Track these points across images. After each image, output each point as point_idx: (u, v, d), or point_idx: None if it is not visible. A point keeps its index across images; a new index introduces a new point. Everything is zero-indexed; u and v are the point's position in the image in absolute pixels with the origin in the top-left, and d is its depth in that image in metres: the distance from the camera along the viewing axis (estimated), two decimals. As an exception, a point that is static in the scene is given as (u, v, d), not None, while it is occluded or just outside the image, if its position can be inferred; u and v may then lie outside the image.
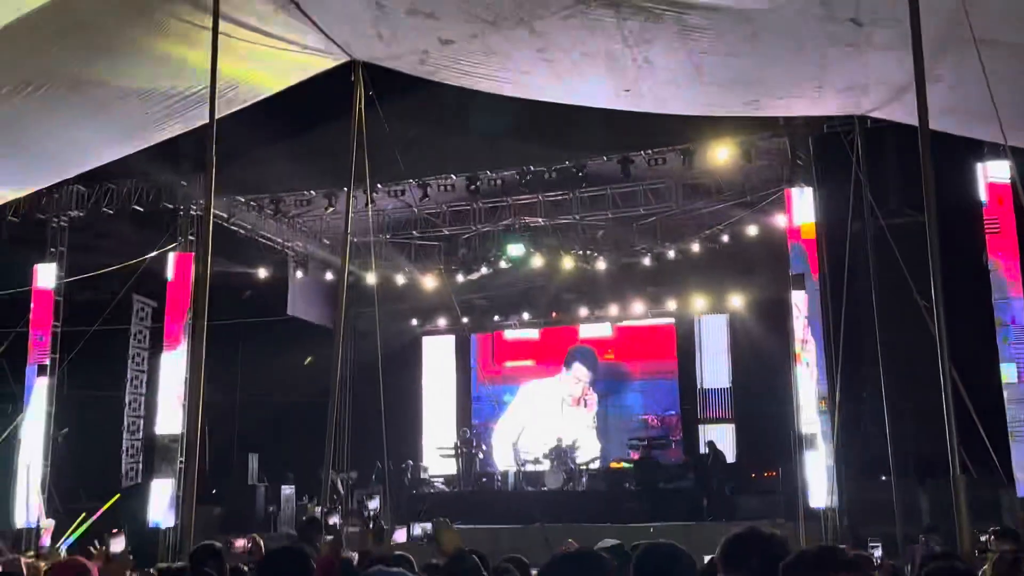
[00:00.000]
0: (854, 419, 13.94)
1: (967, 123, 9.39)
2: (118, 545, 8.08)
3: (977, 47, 6.36)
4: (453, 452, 19.78)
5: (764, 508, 15.33)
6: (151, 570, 6.42)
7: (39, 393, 16.50)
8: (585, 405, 21.56)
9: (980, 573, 4.69)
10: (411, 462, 19.88)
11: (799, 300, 13.66)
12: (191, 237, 16.93)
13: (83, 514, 13.85)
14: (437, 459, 20.46)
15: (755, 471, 17.55)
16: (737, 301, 19.57)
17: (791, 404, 13.71)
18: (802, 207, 14.03)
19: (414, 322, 22.15)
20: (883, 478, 13.78)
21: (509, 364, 22.50)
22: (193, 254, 16.60)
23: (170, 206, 17.04)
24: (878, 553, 10.92)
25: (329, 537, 5.27)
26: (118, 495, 13.94)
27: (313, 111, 14.52)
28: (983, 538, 5.96)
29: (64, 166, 11.45)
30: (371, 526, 5.34)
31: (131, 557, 5.12)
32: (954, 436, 4.81)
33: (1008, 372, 12.25)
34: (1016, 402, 12.13)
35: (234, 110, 10.49)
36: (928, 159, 5.10)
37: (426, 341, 22.93)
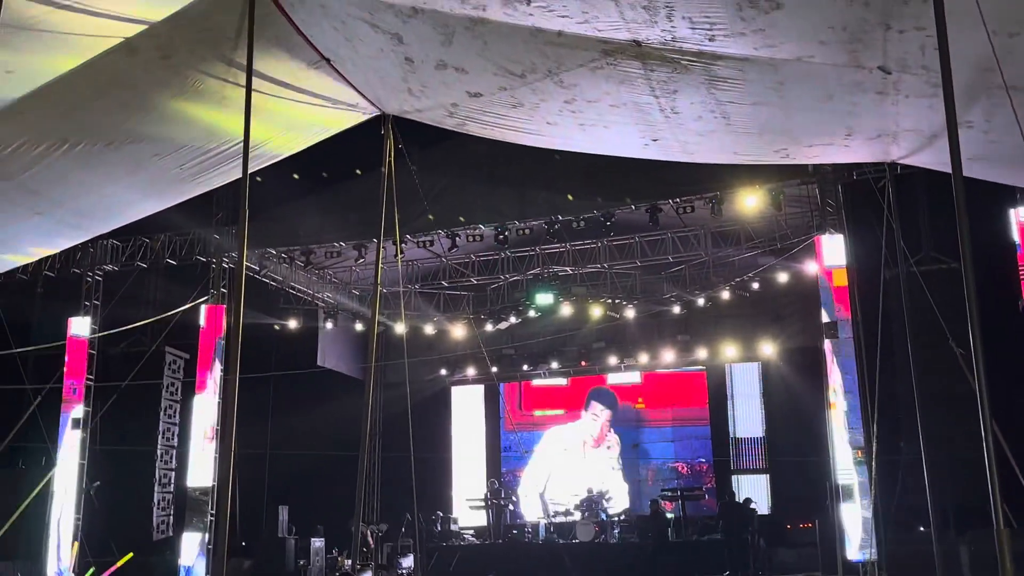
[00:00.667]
0: (891, 469, 13.69)
1: (999, 169, 9.32)
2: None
3: (1009, 94, 6.34)
4: (483, 504, 19.61)
5: (800, 561, 15.05)
6: None
7: (72, 445, 16.60)
8: (608, 447, 21.37)
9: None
10: (440, 514, 19.74)
11: (832, 348, 13.51)
12: (223, 289, 17.10)
13: (92, 568, 13.85)
14: (467, 510, 20.29)
15: (790, 523, 17.23)
16: (769, 349, 19.40)
17: (827, 454, 13.51)
18: (833, 254, 13.94)
19: (443, 372, 22.13)
20: (922, 529, 13.49)
21: (538, 413, 22.38)
22: (224, 306, 16.76)
23: (202, 259, 17.26)
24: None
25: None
26: (130, 554, 13.91)
27: (343, 164, 14.73)
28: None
29: (99, 222, 11.62)
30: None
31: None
32: (996, 488, 4.70)
33: (1049, 420, 12.00)
34: (1058, 451, 11.88)
35: (266, 165, 10.65)
36: (963, 207, 5.05)
37: (455, 391, 22.88)
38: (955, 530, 13.90)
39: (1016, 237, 12.62)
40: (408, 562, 17.00)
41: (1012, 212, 12.64)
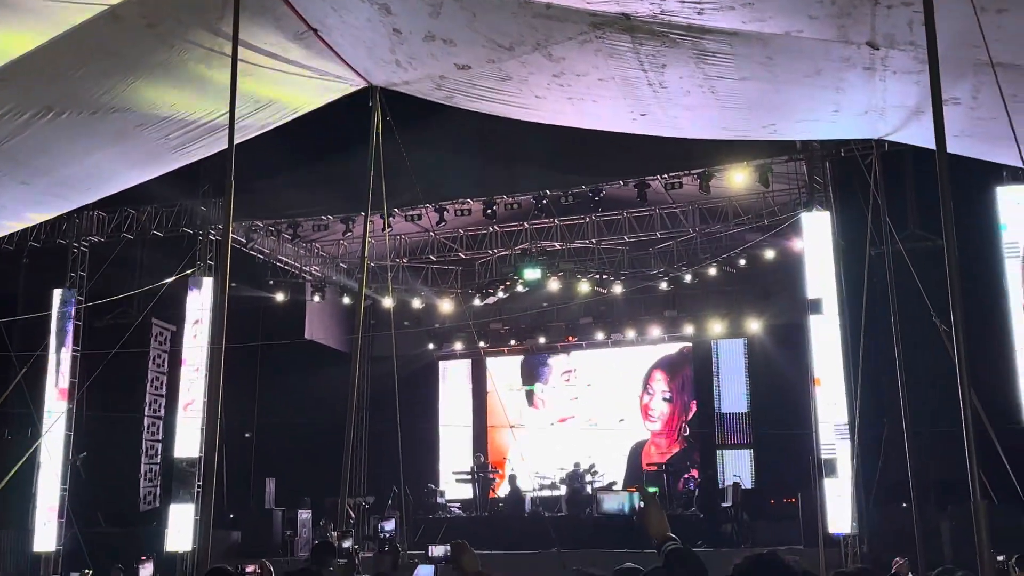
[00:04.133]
0: (874, 444, 13.80)
1: (985, 146, 9.33)
2: (147, 572, 8.11)
3: (995, 70, 6.34)
4: (469, 477, 19.71)
5: (783, 534, 15.18)
6: None
7: (58, 417, 16.57)
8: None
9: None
10: (432, 486, 19.84)
11: (817, 324, 13.58)
12: (210, 262, 17.04)
13: None
14: (454, 484, 20.38)
15: (774, 497, 17.39)
16: (755, 325, 19.47)
17: (810, 429, 13.60)
18: (819, 231, 13.98)
19: (431, 346, 22.16)
20: (904, 504, 13.63)
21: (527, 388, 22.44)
22: (212, 279, 16.71)
23: (189, 231, 17.19)
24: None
25: (342, 561, 5.21)
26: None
27: (331, 137, 14.64)
28: (1001, 557, 5.85)
29: (85, 191, 11.55)
30: (386, 549, 5.29)
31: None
32: (974, 461, 4.75)
33: (1031, 398, 12.13)
34: (1039, 428, 12.01)
35: (253, 136, 10.59)
36: (947, 182, 5.08)
37: (443, 365, 22.92)
38: (936, 505, 14.06)
39: (1002, 215, 12.68)
40: (390, 526, 17.08)
41: (999, 190, 12.68)
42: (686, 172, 15.25)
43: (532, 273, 18.49)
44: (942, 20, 5.51)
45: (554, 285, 18.88)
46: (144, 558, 15.09)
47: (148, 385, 17.97)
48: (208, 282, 16.73)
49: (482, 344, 21.51)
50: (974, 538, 4.87)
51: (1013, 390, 12.24)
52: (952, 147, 6.01)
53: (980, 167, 10.96)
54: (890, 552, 12.70)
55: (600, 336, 21.03)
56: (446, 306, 19.97)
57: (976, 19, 5.96)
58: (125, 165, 10.94)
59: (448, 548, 4.79)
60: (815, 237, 13.98)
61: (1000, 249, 12.53)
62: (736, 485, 17.43)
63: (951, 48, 6.27)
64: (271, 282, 19.06)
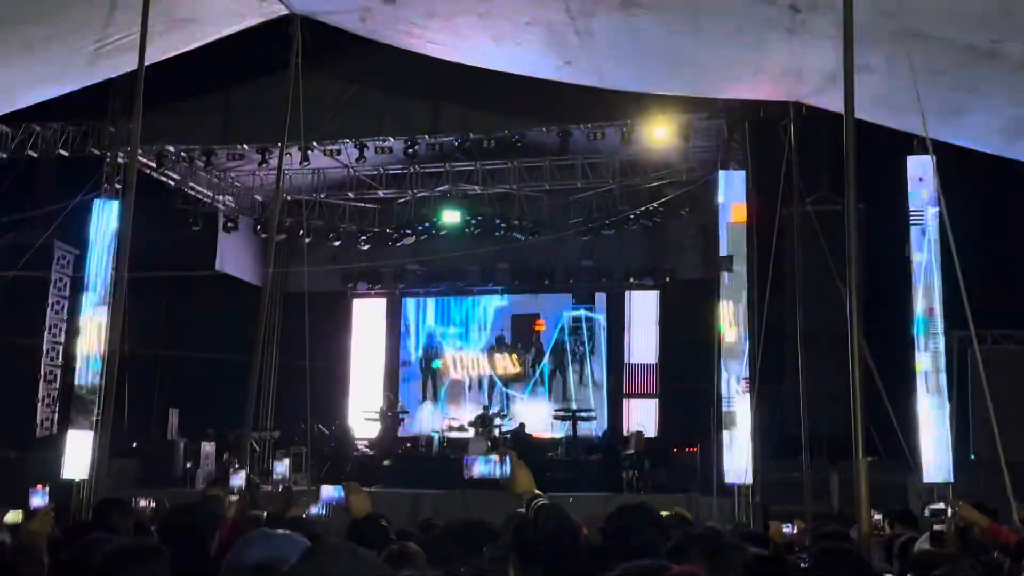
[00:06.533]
0: (773, 400, 14.24)
1: (897, 115, 9.57)
2: (41, 501, 7.93)
3: (905, 40, 6.48)
4: (378, 416, 19.73)
5: (682, 483, 15.61)
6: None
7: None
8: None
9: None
10: (339, 423, 19.79)
11: (727, 281, 13.87)
12: (117, 185, 16.49)
13: None
14: (363, 422, 20.39)
15: (676, 446, 17.84)
16: (668, 278, 19.79)
17: (715, 383, 13.95)
18: (735, 189, 14.21)
19: (345, 283, 21.94)
20: (796, 458, 14.13)
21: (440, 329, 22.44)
22: (118, 203, 16.18)
23: (97, 152, 16.57)
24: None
25: (235, 497, 5.18)
26: None
27: (250, 64, 14.26)
28: (878, 516, 6.13)
29: (-15, 104, 11.08)
30: (280, 490, 5.26)
31: (53, 514, 4.88)
32: (859, 418, 4.94)
33: (923, 361, 12.61)
34: (929, 390, 12.51)
35: (167, 57, 10.25)
36: (852, 146, 5.19)
37: (357, 303, 22.73)
38: (827, 460, 14.61)
39: (909, 185, 13.05)
40: (281, 468, 17.05)
41: (909, 160, 13.02)
42: (609, 123, 15.28)
43: (451, 216, 18.40)
44: (861, -14, 5.59)
45: (473, 229, 18.83)
46: (39, 486, 14.74)
47: (49, 309, 17.43)
48: (114, 206, 16.18)
49: (398, 284, 21.42)
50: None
51: (908, 353, 12.72)
52: (865, 114, 6.15)
53: (894, 136, 11.25)
54: (781, 504, 13.20)
55: (516, 282, 21.10)
56: (363, 244, 19.76)
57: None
58: (30, 80, 10.51)
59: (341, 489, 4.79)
60: (731, 195, 14.20)
61: (908, 217, 12.91)
62: (639, 433, 17.79)
63: (868, 15, 6.37)
64: (182, 210, 18.57)
